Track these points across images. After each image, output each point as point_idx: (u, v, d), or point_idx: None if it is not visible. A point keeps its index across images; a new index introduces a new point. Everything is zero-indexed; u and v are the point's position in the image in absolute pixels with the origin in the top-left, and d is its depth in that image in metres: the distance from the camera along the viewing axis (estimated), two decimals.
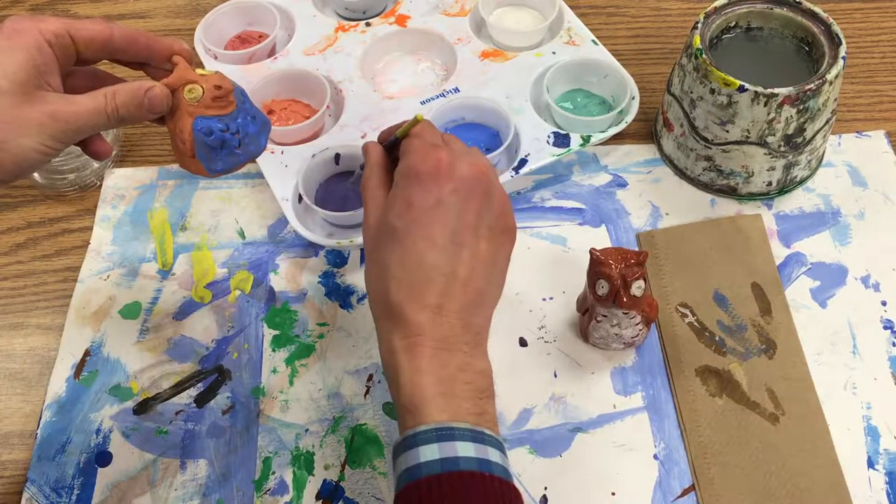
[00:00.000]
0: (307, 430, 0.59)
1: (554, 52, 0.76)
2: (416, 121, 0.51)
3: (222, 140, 0.52)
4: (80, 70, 0.52)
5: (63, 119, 0.47)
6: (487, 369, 0.47)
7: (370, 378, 0.61)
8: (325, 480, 0.57)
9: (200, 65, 0.61)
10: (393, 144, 0.53)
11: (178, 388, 0.61)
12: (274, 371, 0.62)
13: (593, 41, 0.77)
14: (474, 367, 0.46)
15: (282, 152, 0.70)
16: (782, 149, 0.65)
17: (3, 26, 0.47)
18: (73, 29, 0.49)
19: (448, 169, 0.47)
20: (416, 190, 0.47)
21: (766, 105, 0.62)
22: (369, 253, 0.49)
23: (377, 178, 0.52)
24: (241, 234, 0.69)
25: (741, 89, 0.62)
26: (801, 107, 0.62)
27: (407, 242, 0.46)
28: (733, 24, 0.68)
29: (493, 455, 0.43)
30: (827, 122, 0.66)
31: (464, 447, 0.42)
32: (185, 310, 0.65)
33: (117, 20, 0.87)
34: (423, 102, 0.73)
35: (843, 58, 0.63)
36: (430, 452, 0.42)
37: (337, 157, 0.69)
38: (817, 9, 0.66)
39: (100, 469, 0.58)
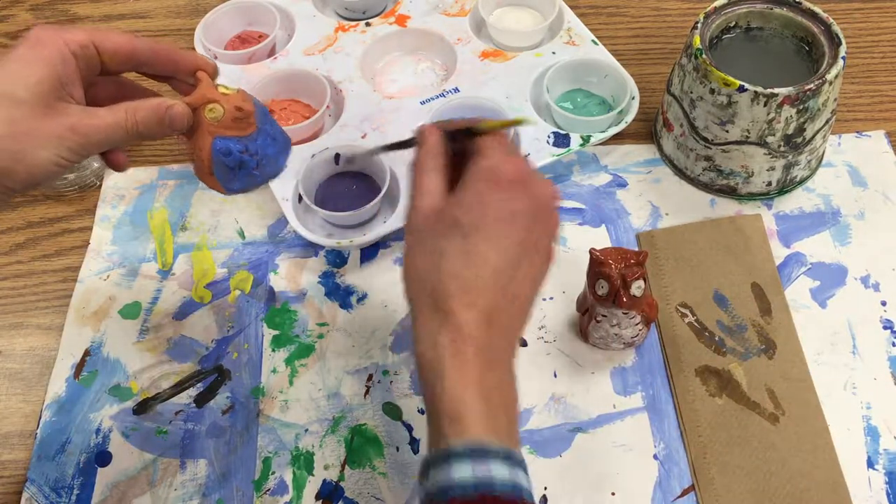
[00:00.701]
0: (307, 431, 0.59)
1: (554, 52, 0.76)
2: (517, 121, 0.50)
3: (240, 161, 0.52)
4: (103, 79, 0.51)
5: (82, 132, 0.47)
6: (517, 388, 0.45)
7: (370, 378, 0.61)
8: (324, 480, 0.57)
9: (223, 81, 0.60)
10: (462, 135, 0.50)
11: (178, 388, 0.61)
12: (274, 371, 0.62)
13: (593, 41, 0.77)
14: (510, 384, 0.45)
15: None
16: (782, 149, 0.65)
17: (28, 35, 0.47)
18: (97, 40, 0.49)
19: (528, 182, 0.46)
20: (494, 192, 0.45)
21: (765, 105, 0.62)
22: (417, 237, 0.47)
23: (434, 163, 0.49)
24: (241, 234, 0.69)
25: (741, 89, 0.62)
26: (801, 107, 0.62)
27: (473, 239, 0.44)
28: (733, 24, 0.68)
29: (522, 478, 0.42)
30: (827, 122, 0.66)
31: (498, 469, 0.41)
32: (185, 310, 0.65)
33: (117, 20, 0.87)
34: (423, 102, 0.73)
35: (843, 58, 0.63)
36: (463, 471, 0.40)
37: (337, 157, 0.69)
38: (817, 9, 0.66)
39: (99, 469, 0.58)
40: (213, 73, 0.54)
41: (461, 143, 0.50)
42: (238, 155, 0.52)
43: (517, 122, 0.50)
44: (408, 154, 0.70)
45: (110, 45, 0.49)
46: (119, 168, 0.53)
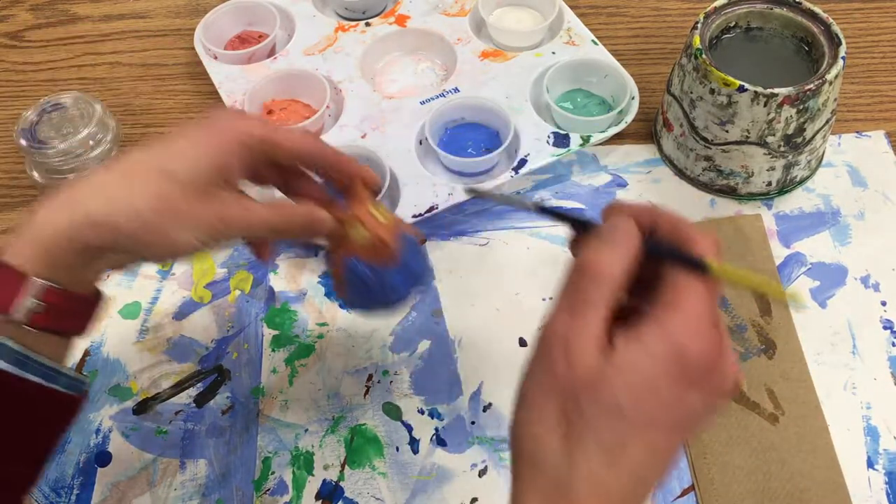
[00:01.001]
0: (307, 430, 0.59)
1: (554, 52, 0.76)
2: (792, 298, 0.38)
3: (367, 287, 0.52)
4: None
5: (227, 222, 0.46)
6: None
7: (370, 378, 0.61)
8: (324, 480, 0.57)
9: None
10: (670, 256, 0.38)
11: (178, 388, 0.61)
12: (273, 371, 0.62)
13: (593, 41, 0.77)
14: None
15: None
16: (782, 149, 0.65)
17: (211, 117, 0.47)
18: (274, 137, 0.48)
19: (716, 373, 0.36)
20: (673, 384, 0.36)
21: (765, 105, 0.62)
22: (561, 400, 0.37)
23: (616, 283, 0.37)
24: None
25: (741, 89, 0.62)
26: (801, 107, 0.62)
27: (628, 437, 0.36)
28: (733, 24, 0.68)
29: None
30: (827, 122, 0.66)
31: None
32: (185, 310, 0.65)
33: (117, 20, 0.87)
34: (422, 102, 0.73)
35: (843, 58, 0.63)
36: None
37: None
38: (817, 9, 0.66)
39: (99, 469, 0.58)
40: (375, 188, 0.53)
41: (655, 262, 0.38)
42: (366, 281, 0.51)
43: (791, 300, 0.38)
44: (404, 153, 0.70)
45: (287, 143, 0.48)
46: (261, 258, 0.53)
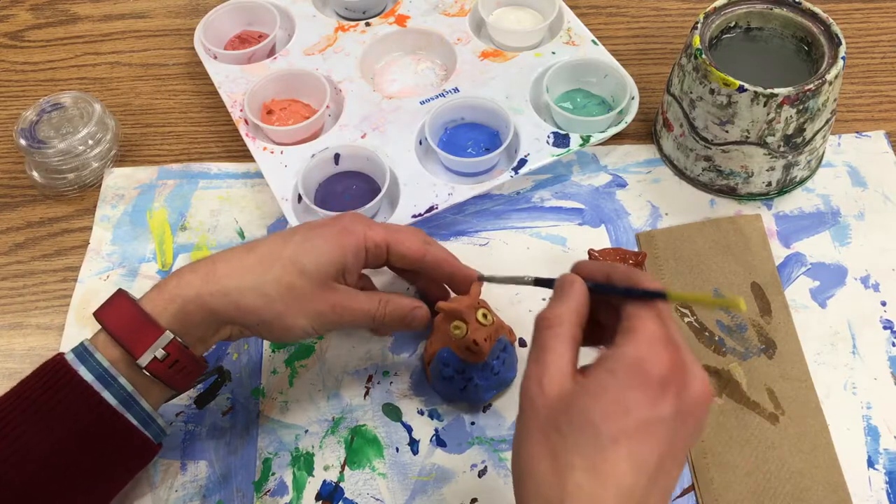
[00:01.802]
0: (307, 431, 0.59)
1: (554, 52, 0.76)
2: (725, 303, 0.40)
3: (451, 377, 0.57)
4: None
5: (339, 312, 0.53)
6: None
7: (370, 379, 0.61)
8: (324, 481, 0.57)
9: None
10: (630, 294, 0.43)
11: None
12: (274, 372, 0.62)
13: (593, 41, 0.77)
14: None
15: (281, 152, 0.70)
16: (782, 149, 0.65)
17: (340, 220, 0.54)
18: (393, 242, 0.55)
19: (680, 383, 0.39)
20: (639, 394, 0.39)
21: (765, 105, 0.62)
22: (539, 427, 0.40)
23: (568, 329, 0.43)
24: (241, 234, 0.69)
25: (741, 89, 0.62)
26: (801, 107, 0.62)
27: (609, 451, 0.38)
28: (733, 24, 0.68)
29: None
30: (827, 122, 0.66)
31: None
32: None
33: (117, 20, 0.87)
34: (422, 102, 0.73)
35: (843, 58, 0.63)
36: None
37: (337, 157, 0.69)
38: (817, 9, 0.65)
39: None
40: (478, 291, 0.58)
41: (609, 298, 0.43)
42: (452, 373, 0.56)
43: (724, 305, 0.41)
44: (403, 153, 0.70)
45: (402, 249, 0.55)
46: (378, 334, 0.62)
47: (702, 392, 0.40)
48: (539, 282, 0.49)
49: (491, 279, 0.56)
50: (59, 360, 0.49)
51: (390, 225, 0.57)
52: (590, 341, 0.44)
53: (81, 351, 0.49)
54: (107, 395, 0.48)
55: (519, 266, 0.66)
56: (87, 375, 0.48)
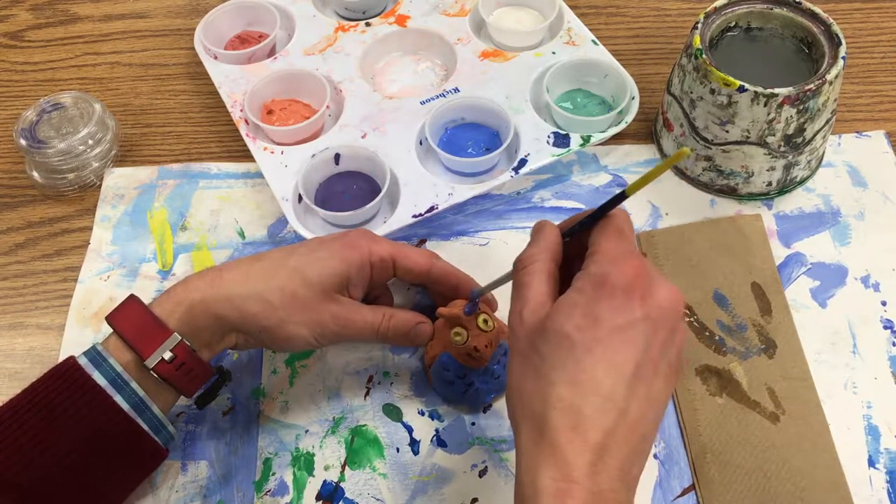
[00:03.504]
0: (307, 431, 0.59)
1: (554, 52, 0.76)
2: (677, 156, 0.39)
3: (452, 384, 0.57)
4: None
5: (341, 323, 0.54)
6: None
7: (370, 379, 0.61)
8: (325, 481, 0.57)
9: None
10: (594, 216, 0.45)
11: None
12: (274, 372, 0.62)
13: (593, 41, 0.77)
14: None
15: (282, 152, 0.70)
16: (782, 149, 0.65)
17: (346, 235, 0.56)
18: (398, 256, 0.56)
19: (645, 288, 0.41)
20: (605, 304, 0.40)
21: (766, 105, 0.62)
22: (521, 355, 0.43)
23: (542, 265, 0.45)
24: (241, 234, 0.69)
25: (741, 89, 0.62)
26: (801, 107, 0.62)
27: (585, 361, 0.40)
28: (733, 24, 0.68)
29: None
30: (827, 122, 0.66)
31: None
32: None
33: (117, 20, 0.87)
34: (422, 102, 0.73)
35: (843, 58, 0.63)
36: None
37: (337, 157, 0.69)
38: (817, 9, 0.66)
39: None
40: (492, 304, 0.60)
41: (579, 238, 0.45)
42: (453, 377, 0.57)
43: (677, 158, 0.40)
44: (404, 153, 0.70)
45: (408, 263, 0.56)
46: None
47: (669, 298, 0.41)
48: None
49: (481, 292, 0.56)
50: (72, 363, 0.49)
51: (397, 242, 0.58)
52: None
53: (94, 355, 0.49)
54: (119, 400, 0.48)
55: None
56: (100, 380, 0.48)
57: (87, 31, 0.87)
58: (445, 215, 0.69)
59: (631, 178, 0.71)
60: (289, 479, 0.57)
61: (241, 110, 0.72)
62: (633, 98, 0.72)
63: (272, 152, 0.70)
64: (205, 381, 0.53)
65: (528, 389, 0.41)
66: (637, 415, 0.40)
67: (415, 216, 0.66)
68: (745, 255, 0.66)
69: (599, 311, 0.40)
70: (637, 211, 0.69)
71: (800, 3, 0.66)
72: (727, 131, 0.65)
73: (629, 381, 0.40)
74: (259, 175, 0.70)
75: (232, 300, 0.51)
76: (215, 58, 0.78)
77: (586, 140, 0.70)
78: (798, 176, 0.69)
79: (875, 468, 0.56)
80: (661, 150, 0.73)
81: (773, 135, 0.64)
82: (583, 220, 0.46)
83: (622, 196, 0.43)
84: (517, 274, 0.45)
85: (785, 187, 0.70)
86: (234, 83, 0.75)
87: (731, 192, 0.70)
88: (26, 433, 0.47)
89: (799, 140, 0.65)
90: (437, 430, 0.59)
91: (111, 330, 0.51)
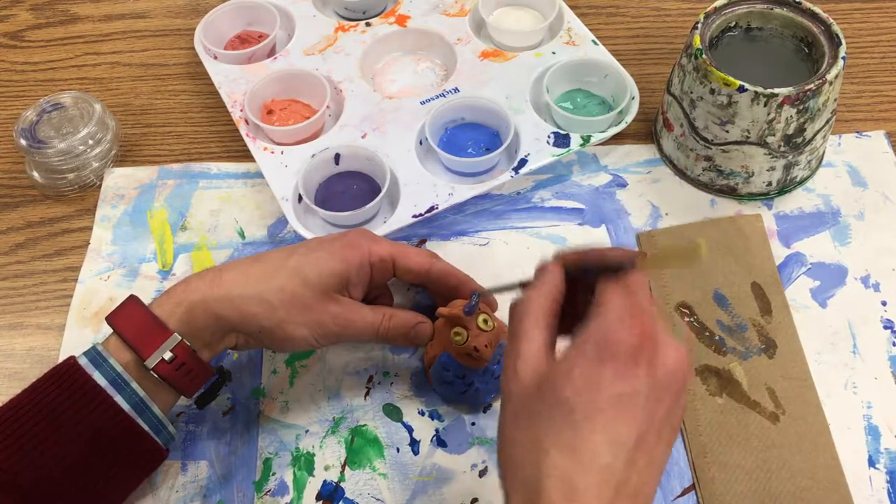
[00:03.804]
0: (307, 431, 0.59)
1: (554, 52, 0.76)
2: (696, 249, 0.38)
3: (452, 381, 0.57)
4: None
5: (341, 324, 0.54)
6: None
7: (370, 379, 0.61)
8: (325, 481, 0.57)
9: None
10: (587, 273, 0.43)
11: None
12: (274, 372, 0.62)
13: (593, 41, 0.77)
14: None
15: (282, 152, 0.70)
16: (782, 149, 0.65)
17: (346, 235, 0.56)
18: (398, 256, 0.56)
19: (651, 351, 0.39)
20: (608, 369, 0.38)
21: (766, 105, 0.62)
22: (515, 412, 0.40)
23: (539, 313, 0.43)
24: (241, 234, 0.69)
25: (741, 89, 0.62)
26: (801, 107, 0.62)
27: (583, 430, 0.37)
28: (733, 24, 0.68)
29: None
30: (827, 122, 0.66)
31: None
32: None
33: (117, 20, 0.87)
34: (422, 102, 0.73)
35: (843, 58, 0.63)
36: None
37: (337, 157, 0.69)
38: (817, 9, 0.66)
39: None
40: (492, 304, 0.59)
41: (589, 279, 0.43)
42: (452, 377, 0.56)
43: (691, 255, 0.38)
44: (404, 153, 0.70)
45: (408, 263, 0.56)
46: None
47: (676, 363, 0.39)
48: (524, 285, 0.48)
49: (486, 293, 0.56)
50: (72, 363, 0.49)
51: (397, 242, 0.58)
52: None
53: (95, 355, 0.50)
54: (119, 400, 0.48)
55: (519, 266, 0.66)
56: (101, 380, 0.48)
57: (87, 31, 0.87)
58: (445, 215, 0.69)
59: (631, 178, 0.71)
60: (289, 479, 0.57)
61: (241, 110, 0.72)
62: (633, 98, 0.72)
63: (272, 152, 0.70)
64: (205, 381, 0.53)
65: (520, 454, 0.39)
66: (637, 484, 0.38)
67: (415, 216, 0.66)
68: (745, 254, 0.66)
69: (601, 376, 0.38)
70: (637, 211, 0.69)
71: (800, 3, 0.66)
72: (727, 131, 0.65)
73: (629, 452, 0.37)
74: (259, 175, 0.70)
75: (232, 300, 0.51)
76: (215, 58, 0.78)
77: (586, 140, 0.70)
78: (798, 176, 0.69)
79: (875, 468, 0.56)
80: (661, 150, 0.73)
81: (773, 135, 0.64)
82: (591, 267, 0.43)
83: (628, 264, 0.41)
84: (512, 322, 0.43)
85: (785, 187, 0.70)
86: (234, 83, 0.75)
87: (731, 192, 0.70)
88: (26, 433, 0.47)
89: (799, 140, 0.65)
90: (437, 430, 0.59)
91: (111, 330, 0.51)
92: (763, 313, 0.63)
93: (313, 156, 0.68)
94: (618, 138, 0.72)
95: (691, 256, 0.38)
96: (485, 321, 0.56)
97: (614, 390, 0.38)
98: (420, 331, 0.57)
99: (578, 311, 0.43)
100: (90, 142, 0.71)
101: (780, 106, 0.62)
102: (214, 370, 0.54)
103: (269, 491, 0.57)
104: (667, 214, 0.69)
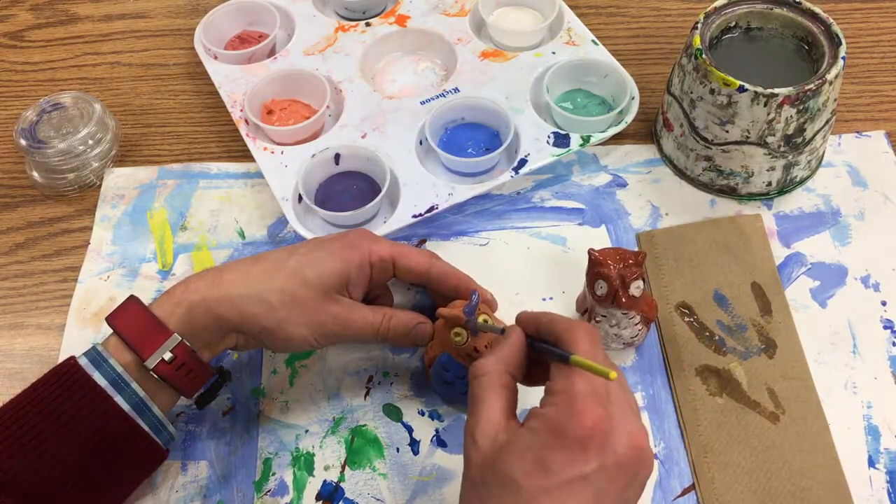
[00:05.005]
0: (307, 431, 0.59)
1: (554, 52, 0.76)
2: (607, 374, 0.40)
3: (452, 382, 0.57)
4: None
5: (341, 324, 0.54)
6: None
7: (370, 379, 0.61)
8: (325, 481, 0.57)
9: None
10: (547, 352, 0.45)
11: None
12: (274, 372, 0.62)
13: (593, 41, 0.77)
14: None
15: (282, 152, 0.70)
16: (782, 149, 0.65)
17: (346, 235, 0.56)
18: (398, 256, 0.56)
19: (602, 439, 0.39)
20: (558, 454, 0.39)
21: (766, 105, 0.62)
22: (472, 479, 0.42)
23: (496, 378, 0.44)
24: (241, 234, 0.69)
25: (741, 89, 0.62)
26: (801, 107, 0.62)
27: None
28: (733, 24, 0.68)
29: None
30: (827, 122, 0.66)
31: None
32: None
33: (117, 20, 0.87)
34: (422, 102, 0.73)
35: (843, 58, 0.63)
36: None
37: (337, 157, 0.69)
38: (817, 9, 0.66)
39: None
40: (492, 306, 0.59)
41: (550, 359, 0.44)
42: (452, 377, 0.56)
43: (607, 375, 0.40)
44: (404, 153, 0.70)
45: (408, 263, 0.56)
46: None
47: (629, 446, 0.40)
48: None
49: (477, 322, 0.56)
50: (72, 363, 0.49)
51: (397, 242, 0.58)
52: (541, 382, 0.45)
53: (95, 356, 0.50)
54: (119, 400, 0.48)
55: (519, 266, 0.66)
56: (101, 380, 0.49)
57: (87, 31, 0.87)
58: (445, 215, 0.69)
59: (631, 178, 0.71)
60: (289, 479, 0.57)
61: (241, 110, 0.72)
62: (633, 98, 0.72)
63: (272, 152, 0.70)
64: (205, 381, 0.53)
65: None
66: None
67: (415, 216, 0.66)
68: (745, 254, 0.66)
69: (551, 460, 0.39)
70: (637, 211, 0.69)
71: (800, 3, 0.66)
72: (727, 131, 0.65)
73: None
74: (259, 175, 0.70)
75: (232, 301, 0.51)
76: (215, 58, 0.78)
77: (586, 140, 0.70)
78: (798, 176, 0.69)
79: (875, 468, 0.56)
80: (661, 150, 0.73)
81: (773, 135, 0.64)
82: (537, 344, 0.46)
83: (565, 358, 0.42)
84: (471, 384, 0.45)
85: (785, 187, 0.70)
86: (234, 83, 0.75)
87: (731, 192, 0.70)
88: (27, 433, 0.47)
89: (799, 140, 0.65)
90: (437, 430, 0.59)
91: (111, 330, 0.51)
92: (763, 313, 0.63)
93: (313, 156, 0.68)
94: (618, 138, 0.72)
95: (604, 375, 0.40)
96: (485, 321, 0.56)
97: (563, 475, 0.39)
98: (420, 331, 0.57)
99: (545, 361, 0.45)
100: (90, 142, 0.71)
101: (780, 106, 0.62)
102: (214, 370, 0.54)
103: (268, 491, 0.57)
104: (667, 214, 0.69)
